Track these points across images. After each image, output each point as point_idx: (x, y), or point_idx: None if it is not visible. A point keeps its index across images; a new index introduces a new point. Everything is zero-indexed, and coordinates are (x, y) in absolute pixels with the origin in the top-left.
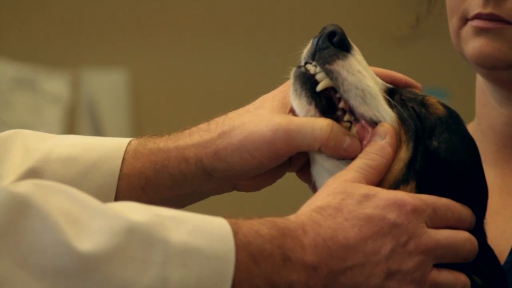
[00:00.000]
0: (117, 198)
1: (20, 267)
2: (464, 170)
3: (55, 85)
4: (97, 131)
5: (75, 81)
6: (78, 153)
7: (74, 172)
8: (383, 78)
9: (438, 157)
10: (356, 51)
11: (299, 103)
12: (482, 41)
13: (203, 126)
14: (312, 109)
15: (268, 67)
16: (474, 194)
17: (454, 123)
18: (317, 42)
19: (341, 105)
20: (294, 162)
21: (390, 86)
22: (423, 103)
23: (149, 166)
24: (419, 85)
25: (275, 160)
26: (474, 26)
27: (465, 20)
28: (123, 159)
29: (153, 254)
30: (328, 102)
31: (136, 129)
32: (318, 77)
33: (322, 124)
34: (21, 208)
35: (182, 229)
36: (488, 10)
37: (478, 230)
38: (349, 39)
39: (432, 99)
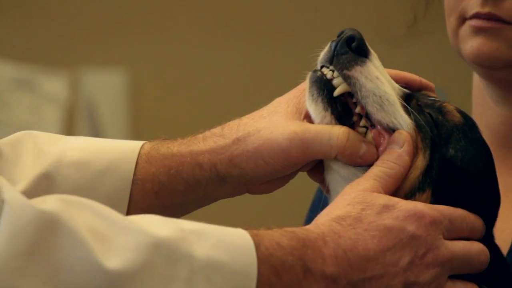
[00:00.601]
0: (130, 202)
1: (49, 285)
2: (480, 179)
3: (54, 85)
4: (96, 131)
5: (74, 82)
6: (90, 157)
7: (87, 176)
8: (397, 79)
9: (455, 165)
10: (374, 57)
11: (315, 108)
12: (480, 40)
13: (216, 130)
14: (328, 115)
15: (267, 68)
16: (488, 203)
17: (470, 131)
18: (335, 46)
19: (357, 110)
20: (304, 165)
21: (407, 91)
22: (440, 109)
23: (163, 171)
24: (433, 85)
25: (290, 168)
26: (472, 26)
27: (463, 19)
28: (136, 163)
29: (178, 269)
30: (343, 108)
31: (135, 129)
32: (335, 82)
33: (339, 132)
34: (50, 227)
35: (205, 244)
36: (486, 9)
37: (489, 238)
38: (367, 44)
39: (450, 106)
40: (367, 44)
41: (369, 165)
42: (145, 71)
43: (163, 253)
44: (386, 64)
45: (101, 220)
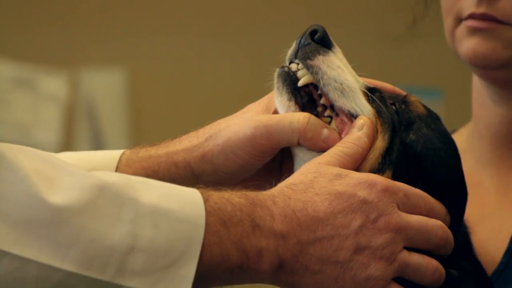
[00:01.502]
0: None
1: None
2: (441, 166)
3: (54, 84)
4: (95, 130)
5: (74, 81)
6: (72, 163)
7: None
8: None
9: (415, 150)
10: (337, 50)
11: (280, 99)
12: (476, 41)
13: (192, 133)
14: (292, 105)
15: (266, 68)
16: (451, 193)
17: (434, 123)
18: (300, 40)
19: (322, 101)
20: (285, 171)
21: (371, 86)
22: (404, 100)
23: (141, 173)
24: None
25: (258, 158)
26: (468, 26)
27: (459, 20)
28: (117, 167)
29: (123, 212)
30: (309, 99)
31: (134, 129)
32: (299, 74)
33: (299, 116)
34: None
35: (153, 192)
36: (481, 10)
37: (454, 229)
38: (331, 38)
39: (413, 98)
40: (331, 38)
41: None
42: (144, 70)
43: (108, 195)
44: (386, 64)
45: (47, 163)
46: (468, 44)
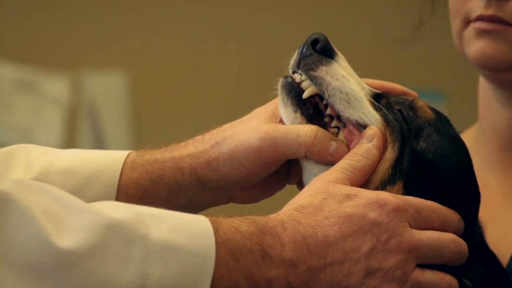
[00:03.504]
0: None
1: (0, 262)
2: (453, 173)
3: (55, 87)
4: (97, 133)
5: (75, 83)
6: (77, 165)
7: (73, 183)
8: (378, 89)
9: (426, 158)
10: (340, 58)
11: (286, 111)
12: (484, 43)
13: (198, 137)
14: (298, 116)
15: (270, 70)
16: (464, 198)
17: (443, 127)
18: (302, 50)
19: (328, 111)
20: (293, 174)
21: (377, 91)
22: (411, 106)
23: (146, 177)
24: (415, 93)
25: (264, 169)
26: (476, 28)
27: (467, 21)
28: (122, 170)
29: (133, 251)
30: (315, 110)
31: (136, 131)
32: (303, 85)
33: (307, 130)
34: (1, 205)
35: (162, 226)
36: (490, 11)
37: (469, 233)
38: (333, 46)
39: (421, 103)
40: (333, 46)
41: None
42: (146, 73)
43: (117, 234)
44: (390, 66)
45: (55, 201)
46: (476, 46)
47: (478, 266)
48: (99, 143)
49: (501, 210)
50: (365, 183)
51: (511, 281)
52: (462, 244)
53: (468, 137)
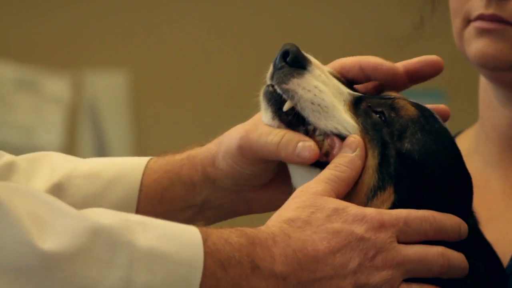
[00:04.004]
0: (138, 211)
1: None
2: (442, 169)
3: (57, 86)
4: (98, 132)
5: (77, 83)
6: (100, 169)
7: (96, 186)
8: (353, 66)
9: (413, 159)
10: (313, 66)
11: (265, 118)
12: (484, 42)
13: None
14: (276, 123)
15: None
16: (457, 192)
17: (427, 123)
18: (275, 62)
19: None
20: None
21: (359, 94)
22: (392, 106)
23: (165, 176)
24: (389, 64)
25: (251, 166)
26: (477, 27)
27: (467, 21)
28: (143, 173)
29: (118, 256)
30: (297, 117)
31: (137, 130)
32: (285, 96)
33: (274, 136)
34: None
35: (150, 234)
36: (490, 11)
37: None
38: (305, 55)
39: (402, 102)
40: (306, 54)
41: (316, 164)
42: (147, 73)
43: (102, 239)
44: None
45: (42, 205)
46: (476, 45)
47: (477, 261)
48: (100, 143)
49: (502, 209)
50: (354, 192)
51: (506, 273)
52: (452, 256)
53: (468, 136)
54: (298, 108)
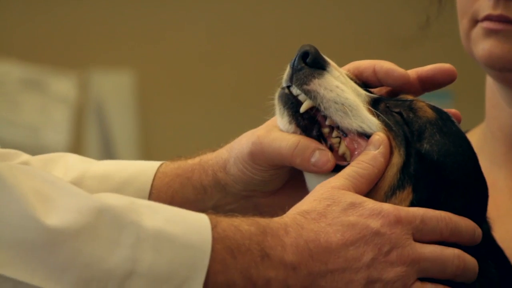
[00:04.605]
0: None
1: None
2: (460, 171)
3: (63, 86)
4: (104, 132)
5: (83, 82)
6: (112, 171)
7: (108, 188)
8: (366, 68)
9: (431, 159)
10: (332, 67)
11: (281, 122)
12: (492, 42)
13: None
14: (293, 127)
15: (274, 69)
16: (473, 195)
17: (445, 125)
18: (293, 64)
19: (328, 122)
20: None
21: (376, 95)
22: (410, 107)
23: (176, 180)
24: (402, 71)
25: (265, 171)
26: (484, 28)
27: (475, 21)
28: (155, 175)
29: (123, 235)
30: (311, 121)
31: (143, 130)
32: (301, 97)
33: (288, 141)
34: None
35: (157, 216)
36: (498, 11)
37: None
38: (323, 56)
39: (420, 103)
40: (324, 56)
41: (334, 172)
42: (153, 72)
43: (108, 218)
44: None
45: (48, 184)
46: (483, 46)
47: (490, 266)
48: (106, 142)
49: (509, 208)
50: (373, 190)
51: None
52: (467, 259)
53: (475, 136)
54: (321, 108)
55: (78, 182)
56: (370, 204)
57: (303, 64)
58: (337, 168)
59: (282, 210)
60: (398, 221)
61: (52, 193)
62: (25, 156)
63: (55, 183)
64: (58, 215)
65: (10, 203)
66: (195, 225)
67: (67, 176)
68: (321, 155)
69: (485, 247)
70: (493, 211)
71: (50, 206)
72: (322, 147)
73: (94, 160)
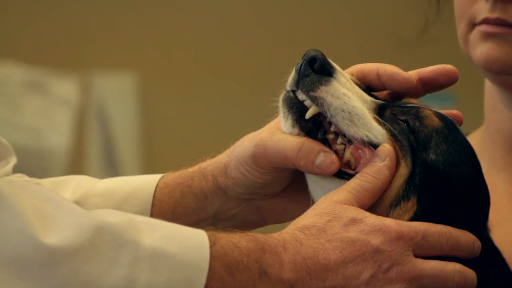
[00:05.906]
0: None
1: None
2: (465, 182)
3: (65, 88)
4: (106, 135)
5: (85, 84)
6: (115, 187)
7: (112, 203)
8: (370, 72)
9: (437, 170)
10: (339, 73)
11: (285, 125)
12: (489, 45)
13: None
14: (296, 131)
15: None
16: (476, 205)
17: (451, 134)
18: (299, 69)
19: (333, 128)
20: None
21: (381, 101)
22: (417, 115)
23: (177, 189)
24: (407, 75)
25: (267, 174)
26: (482, 31)
27: (472, 25)
28: (156, 187)
29: (122, 254)
30: (315, 125)
31: (145, 132)
32: (307, 103)
33: (293, 143)
34: None
35: (155, 234)
36: (495, 15)
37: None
38: (330, 62)
39: (427, 111)
40: (330, 61)
41: (338, 174)
42: (155, 75)
43: (106, 236)
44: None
45: (47, 201)
46: (481, 49)
47: (489, 275)
48: (108, 145)
49: (508, 212)
50: (378, 200)
51: None
52: (468, 275)
53: (474, 139)
54: (328, 115)
55: (83, 200)
56: (372, 219)
57: (310, 70)
58: (339, 174)
59: (284, 213)
60: (399, 237)
61: (51, 211)
62: (35, 181)
63: (54, 201)
64: (57, 233)
65: (9, 220)
66: (193, 243)
67: (74, 195)
68: (326, 157)
69: (484, 254)
70: (492, 214)
71: (49, 224)
72: (327, 149)
73: (99, 180)
